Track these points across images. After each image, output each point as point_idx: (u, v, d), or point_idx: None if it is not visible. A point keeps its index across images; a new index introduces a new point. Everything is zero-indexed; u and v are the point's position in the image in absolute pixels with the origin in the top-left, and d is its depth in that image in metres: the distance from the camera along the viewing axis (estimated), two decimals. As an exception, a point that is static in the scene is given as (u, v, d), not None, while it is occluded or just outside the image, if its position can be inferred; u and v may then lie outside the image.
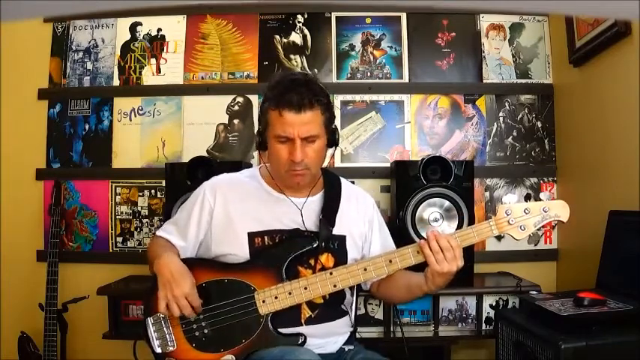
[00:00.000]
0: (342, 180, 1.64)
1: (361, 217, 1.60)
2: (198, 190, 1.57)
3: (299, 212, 1.51)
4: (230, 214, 1.50)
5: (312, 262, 1.48)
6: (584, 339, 1.39)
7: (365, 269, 1.42)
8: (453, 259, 1.35)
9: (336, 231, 1.51)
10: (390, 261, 1.41)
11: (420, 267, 1.44)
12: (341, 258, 1.51)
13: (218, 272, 1.46)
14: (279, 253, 1.46)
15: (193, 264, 1.48)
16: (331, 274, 1.42)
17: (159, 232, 1.57)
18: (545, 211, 1.39)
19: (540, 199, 1.41)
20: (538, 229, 1.42)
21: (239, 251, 1.47)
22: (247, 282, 1.43)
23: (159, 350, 1.42)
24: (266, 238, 1.48)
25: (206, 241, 1.53)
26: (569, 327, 1.44)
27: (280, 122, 1.39)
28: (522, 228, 1.39)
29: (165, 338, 1.42)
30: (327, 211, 1.52)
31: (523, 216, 1.39)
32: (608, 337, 1.41)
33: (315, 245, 1.45)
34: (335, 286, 1.42)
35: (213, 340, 1.42)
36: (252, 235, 1.48)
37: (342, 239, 1.54)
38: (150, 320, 1.44)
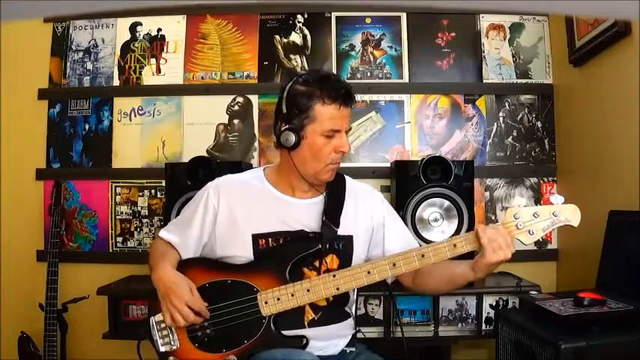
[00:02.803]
0: (347, 178, 1.62)
1: (368, 212, 1.58)
2: (202, 190, 1.56)
3: (304, 213, 1.51)
4: (234, 215, 1.49)
5: (317, 263, 1.47)
6: (584, 339, 1.39)
7: (368, 272, 1.40)
8: (507, 246, 1.33)
9: (341, 231, 1.50)
10: (394, 264, 1.39)
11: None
12: (345, 259, 1.50)
13: (221, 273, 1.46)
14: (283, 254, 1.45)
15: (197, 264, 1.49)
16: (334, 276, 1.41)
17: (161, 233, 1.57)
18: (555, 216, 1.35)
19: (550, 203, 1.37)
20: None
21: (243, 253, 1.47)
22: (250, 283, 1.43)
23: (162, 349, 1.42)
24: (270, 240, 1.47)
25: (210, 242, 1.52)
26: (569, 327, 1.44)
27: (335, 116, 1.43)
28: (531, 232, 1.35)
29: (168, 337, 1.42)
30: (330, 212, 1.51)
31: (532, 220, 1.35)
32: (608, 337, 1.41)
33: (318, 247, 1.44)
34: (338, 288, 1.41)
35: (215, 340, 1.42)
36: (256, 237, 1.47)
37: (348, 239, 1.53)
38: (153, 320, 1.44)
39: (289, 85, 1.47)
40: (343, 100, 1.43)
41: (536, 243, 2.52)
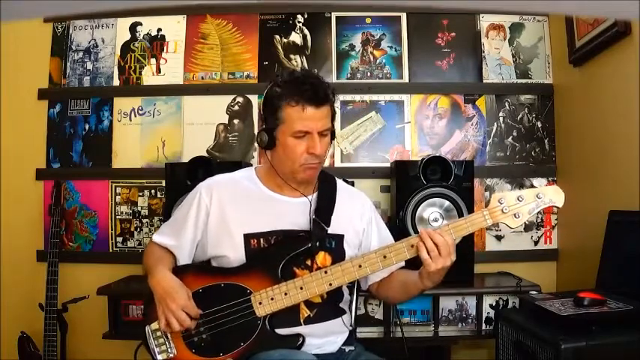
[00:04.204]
0: (338, 181, 1.64)
1: (358, 214, 1.60)
2: (194, 190, 1.56)
3: (296, 212, 1.51)
4: (226, 215, 1.49)
5: (308, 262, 1.48)
6: (584, 339, 1.39)
7: (359, 266, 1.41)
8: (448, 254, 1.35)
9: (332, 230, 1.51)
10: (385, 256, 1.41)
11: (416, 261, 1.42)
12: (338, 257, 1.51)
13: (214, 277, 1.46)
14: (274, 254, 1.45)
15: (190, 270, 1.49)
16: (326, 272, 1.42)
17: (154, 238, 1.56)
18: (540, 198, 1.37)
19: (535, 187, 1.39)
20: (536, 217, 1.40)
21: (235, 253, 1.47)
22: (243, 285, 1.43)
23: (159, 357, 1.42)
24: (262, 240, 1.48)
25: (202, 242, 1.52)
26: (569, 327, 1.44)
27: (301, 117, 1.41)
28: (517, 216, 1.37)
29: (165, 345, 1.42)
30: (321, 211, 1.51)
31: (517, 204, 1.37)
32: (608, 337, 1.41)
33: (308, 246, 1.45)
34: (330, 284, 1.41)
35: (212, 344, 1.42)
36: (247, 237, 1.47)
37: (339, 238, 1.53)
38: (149, 328, 1.44)
39: (268, 86, 1.48)
40: (308, 101, 1.39)
41: (532, 237, 2.52)
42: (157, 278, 1.41)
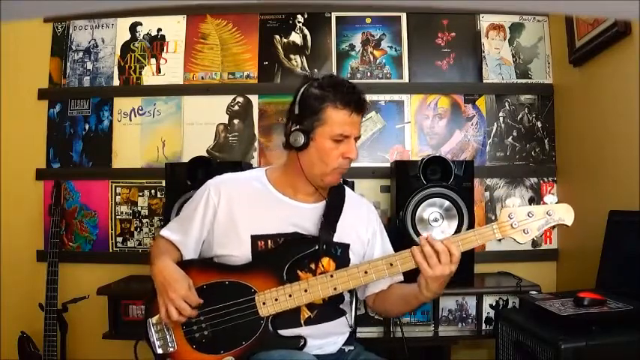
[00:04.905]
0: (347, 189, 1.64)
1: (364, 224, 1.61)
2: (202, 188, 1.56)
3: (304, 217, 1.51)
4: (234, 215, 1.50)
5: (312, 265, 1.48)
6: (584, 339, 1.39)
7: (365, 272, 1.41)
8: (448, 263, 1.33)
9: (340, 238, 1.51)
10: (391, 264, 1.40)
11: (418, 274, 1.42)
12: (342, 264, 1.50)
13: (219, 274, 1.46)
14: (279, 255, 1.45)
15: (195, 265, 1.48)
16: (332, 276, 1.42)
17: (162, 232, 1.57)
18: (550, 215, 1.36)
19: (545, 202, 1.39)
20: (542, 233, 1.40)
21: (241, 253, 1.47)
22: (248, 284, 1.43)
23: (159, 351, 1.42)
24: (269, 241, 1.48)
25: (208, 239, 1.52)
26: (569, 327, 1.44)
27: (345, 121, 1.44)
28: (526, 232, 1.37)
29: (165, 339, 1.42)
30: (329, 216, 1.51)
31: (527, 219, 1.37)
32: (608, 337, 1.41)
33: (315, 248, 1.45)
34: (335, 288, 1.41)
35: (213, 341, 1.42)
36: (255, 238, 1.48)
37: (345, 247, 1.54)
38: (151, 321, 1.44)
39: (304, 87, 1.48)
40: (355, 107, 1.45)
41: (532, 242, 2.53)
42: (159, 267, 1.42)
